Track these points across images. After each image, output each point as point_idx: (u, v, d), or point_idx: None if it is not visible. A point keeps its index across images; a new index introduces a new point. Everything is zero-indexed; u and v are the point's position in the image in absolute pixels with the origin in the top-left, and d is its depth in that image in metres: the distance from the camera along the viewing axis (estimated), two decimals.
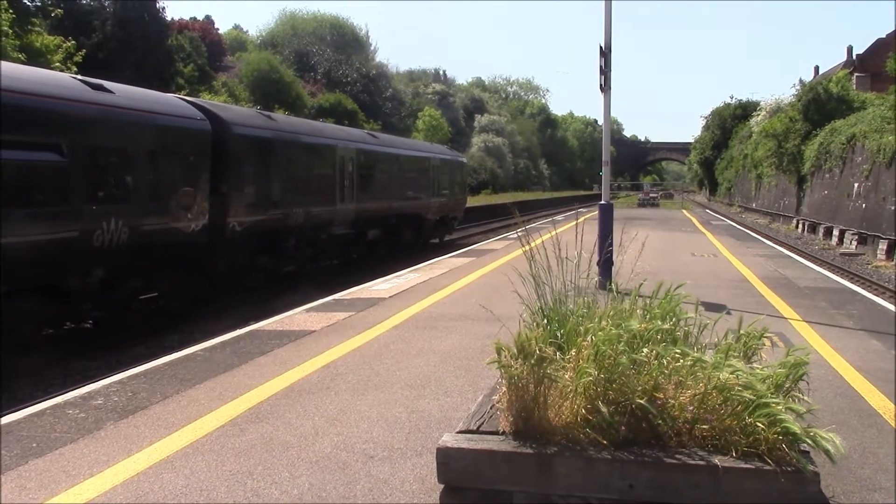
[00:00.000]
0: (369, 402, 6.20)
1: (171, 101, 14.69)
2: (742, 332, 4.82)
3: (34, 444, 5.27)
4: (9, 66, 10.80)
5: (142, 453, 5.08)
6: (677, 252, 19.04)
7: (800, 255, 21.13)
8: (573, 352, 4.30)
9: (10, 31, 24.27)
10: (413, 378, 6.98)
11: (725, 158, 77.36)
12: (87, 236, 11.12)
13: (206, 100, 22.39)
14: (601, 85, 12.70)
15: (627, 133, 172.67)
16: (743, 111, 74.65)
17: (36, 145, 10.41)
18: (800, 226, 39.05)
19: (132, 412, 6.00)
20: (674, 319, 4.80)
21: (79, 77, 12.25)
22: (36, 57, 24.85)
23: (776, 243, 25.57)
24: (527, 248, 5.08)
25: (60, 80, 11.71)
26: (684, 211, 51.12)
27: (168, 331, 12.80)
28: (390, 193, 24.04)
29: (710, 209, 63.41)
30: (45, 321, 11.52)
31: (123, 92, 12.84)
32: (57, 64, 26.29)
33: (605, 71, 12.59)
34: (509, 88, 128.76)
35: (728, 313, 8.14)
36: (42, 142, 10.54)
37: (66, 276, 11.14)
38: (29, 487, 4.53)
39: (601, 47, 12.56)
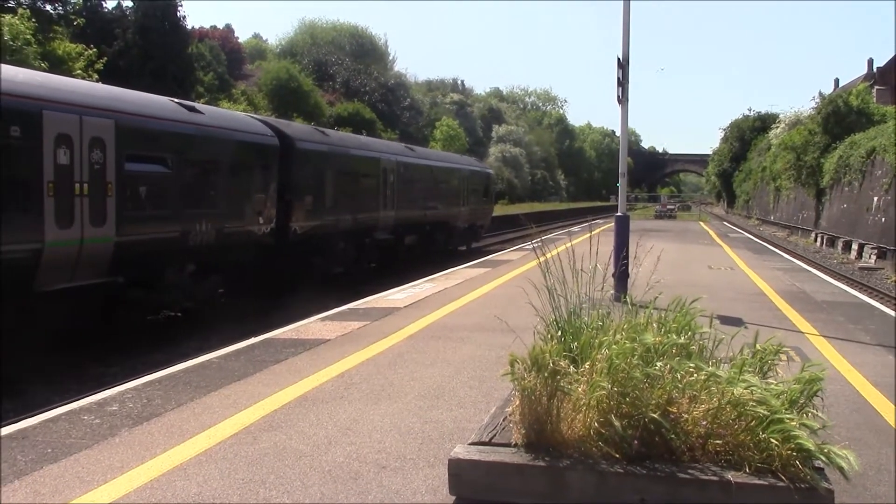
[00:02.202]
0: (382, 412, 6.20)
1: (246, 119, 16.85)
2: (758, 346, 4.79)
3: (49, 450, 5.31)
4: (133, 95, 12.99)
5: (155, 460, 5.10)
6: (694, 265, 18.94)
7: (818, 269, 20.97)
8: (587, 365, 4.29)
9: (33, 39, 24.60)
10: (427, 388, 6.98)
11: (744, 171, 76.98)
12: (185, 236, 13.15)
13: (273, 118, 24.43)
14: (619, 97, 12.69)
15: (645, 144, 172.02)
16: (762, 123, 74.35)
17: (150, 158, 12.45)
18: (818, 239, 38.76)
19: (147, 419, 6.04)
20: (689, 333, 4.79)
21: (175, 100, 14.22)
22: (58, 64, 25.18)
23: (794, 257, 25.40)
24: (542, 259, 5.08)
25: (164, 104, 13.57)
26: (701, 223, 50.87)
27: (185, 337, 12.91)
28: (425, 202, 25.54)
29: (728, 221, 63.10)
30: (151, 308, 13.48)
31: (210, 112, 15.15)
32: (78, 71, 26.61)
33: (623, 83, 12.57)
34: (527, 99, 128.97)
35: (745, 327, 8.08)
36: (154, 156, 12.58)
37: (168, 270, 13.03)
38: (43, 493, 4.57)
39: (619, 59, 12.54)
